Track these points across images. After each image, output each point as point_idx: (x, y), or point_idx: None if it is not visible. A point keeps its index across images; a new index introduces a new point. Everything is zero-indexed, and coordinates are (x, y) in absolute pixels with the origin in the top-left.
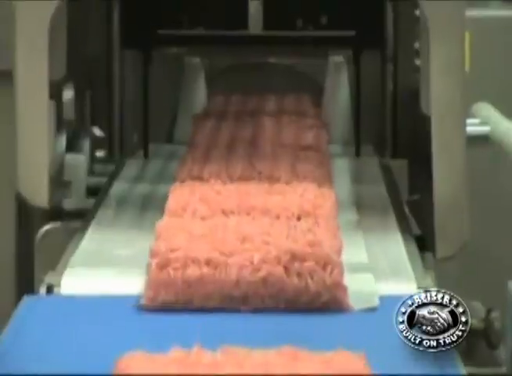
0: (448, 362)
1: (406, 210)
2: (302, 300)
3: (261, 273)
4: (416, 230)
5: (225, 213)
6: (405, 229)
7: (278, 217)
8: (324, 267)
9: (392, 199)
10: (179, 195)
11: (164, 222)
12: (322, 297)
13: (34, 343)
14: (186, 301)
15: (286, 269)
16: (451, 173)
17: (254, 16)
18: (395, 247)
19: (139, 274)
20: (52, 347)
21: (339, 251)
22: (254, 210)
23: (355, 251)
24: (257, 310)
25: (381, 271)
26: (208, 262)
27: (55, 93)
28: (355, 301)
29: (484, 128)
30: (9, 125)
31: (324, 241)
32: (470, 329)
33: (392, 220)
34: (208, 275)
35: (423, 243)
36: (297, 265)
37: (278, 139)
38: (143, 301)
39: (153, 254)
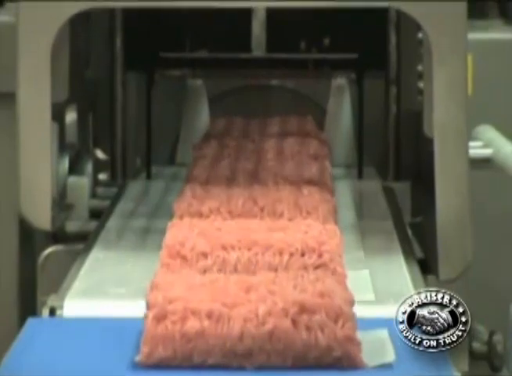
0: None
1: (409, 232)
2: (312, 356)
3: (267, 327)
4: (419, 253)
5: (224, 248)
6: (407, 251)
7: (281, 253)
8: (336, 320)
9: (395, 221)
10: (177, 230)
11: (160, 272)
12: (334, 352)
13: (39, 364)
14: (185, 358)
15: (294, 322)
16: (454, 195)
17: (257, 38)
18: (398, 269)
19: (142, 297)
20: (57, 369)
21: (351, 303)
22: (255, 245)
23: (361, 291)
24: (262, 367)
25: (384, 294)
26: (209, 315)
27: (57, 115)
28: (368, 357)
29: (487, 151)
30: (11, 147)
31: (335, 291)
32: (473, 352)
33: (395, 242)
34: (209, 329)
35: (426, 265)
36: (305, 317)
37: (280, 171)
38: (139, 358)
39: (149, 305)
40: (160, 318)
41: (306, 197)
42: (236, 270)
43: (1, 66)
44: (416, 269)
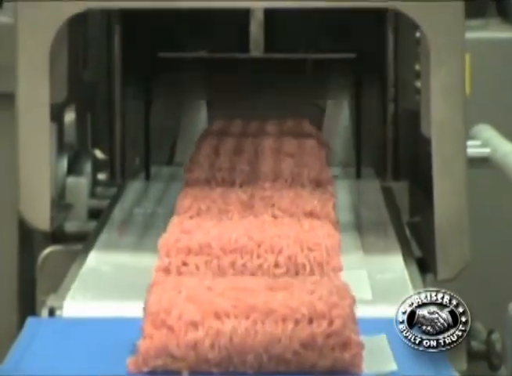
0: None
1: (407, 231)
2: None
3: None
4: (417, 252)
5: (218, 317)
6: (406, 250)
7: (284, 320)
8: None
9: (393, 221)
10: (162, 291)
11: (143, 344)
12: None
13: (39, 365)
14: None
15: None
16: (452, 195)
17: (255, 38)
18: (396, 268)
19: (141, 297)
20: (57, 369)
21: None
22: (254, 311)
23: (359, 290)
24: None
25: (382, 294)
26: None
27: (56, 116)
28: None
29: (485, 150)
30: (10, 148)
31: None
32: (472, 351)
33: (393, 242)
34: None
35: (424, 264)
36: None
37: (278, 202)
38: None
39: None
40: None
41: (307, 232)
42: (231, 343)
43: (0, 67)
44: (415, 268)
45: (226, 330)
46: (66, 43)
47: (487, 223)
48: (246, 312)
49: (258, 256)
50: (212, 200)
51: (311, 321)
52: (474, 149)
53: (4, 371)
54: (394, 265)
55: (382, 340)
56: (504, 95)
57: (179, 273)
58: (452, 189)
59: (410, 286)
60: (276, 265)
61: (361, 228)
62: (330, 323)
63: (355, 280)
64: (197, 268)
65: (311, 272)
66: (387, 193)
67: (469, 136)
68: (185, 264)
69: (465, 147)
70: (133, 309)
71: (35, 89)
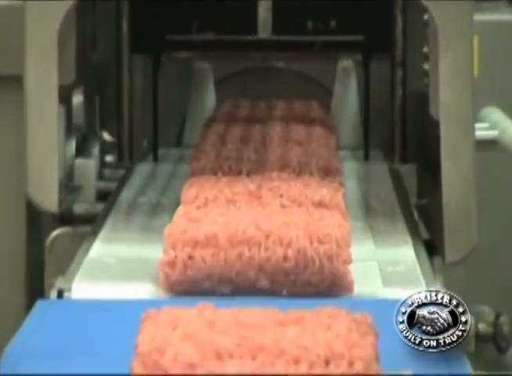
0: (456, 362)
1: (415, 214)
2: None
3: None
4: (425, 234)
5: (219, 357)
6: (414, 233)
7: (297, 362)
8: None
9: (401, 203)
10: (154, 327)
11: None
12: None
13: (48, 346)
14: None
15: None
16: (459, 177)
17: (263, 20)
18: (405, 251)
19: (149, 279)
20: (65, 351)
21: None
22: (261, 351)
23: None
24: None
25: (391, 277)
26: None
27: (64, 98)
28: None
29: (493, 133)
30: (18, 130)
31: None
32: (479, 333)
33: (401, 224)
34: None
35: (432, 246)
36: None
37: (286, 191)
38: None
39: None
40: None
41: (317, 221)
42: None
43: (9, 50)
44: (423, 250)
45: (229, 374)
46: (74, 25)
47: (495, 206)
48: (252, 352)
49: (266, 248)
50: (219, 189)
51: (327, 363)
52: (481, 131)
53: (11, 353)
54: (402, 247)
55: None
56: None
57: (185, 267)
58: (460, 172)
59: (418, 268)
60: (285, 258)
61: (369, 210)
62: (351, 364)
63: (364, 271)
64: (204, 261)
65: (321, 267)
66: (395, 176)
67: (477, 119)
68: (191, 257)
69: (473, 130)
70: (141, 290)
71: (44, 72)
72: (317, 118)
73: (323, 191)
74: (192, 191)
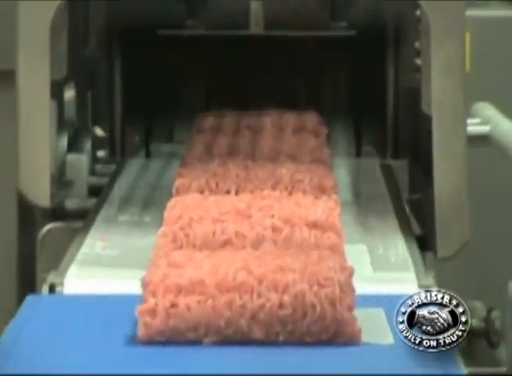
0: (450, 362)
1: (407, 209)
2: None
3: None
4: (417, 230)
5: None
6: (405, 228)
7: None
8: None
9: (393, 198)
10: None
11: None
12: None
13: (38, 341)
14: None
15: None
16: (451, 172)
17: (255, 15)
18: (396, 246)
19: (142, 273)
20: (56, 346)
21: None
22: None
23: (359, 265)
24: None
25: (382, 271)
26: None
27: (56, 93)
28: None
29: (485, 128)
30: (10, 125)
31: None
32: (471, 328)
33: (393, 219)
34: None
35: (423, 242)
36: None
37: (278, 214)
38: None
39: None
40: None
41: (316, 264)
42: None
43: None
44: (415, 245)
45: None
46: (66, 19)
47: (485, 201)
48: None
49: (259, 295)
50: (205, 209)
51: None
52: (473, 127)
53: (2, 347)
54: (394, 243)
55: (380, 314)
56: (504, 74)
57: (168, 316)
58: (452, 167)
59: (411, 264)
60: (281, 305)
61: (360, 205)
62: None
63: (355, 256)
64: (188, 309)
65: (323, 314)
66: (387, 171)
67: (469, 114)
68: (174, 305)
69: (465, 125)
70: (134, 285)
71: (36, 67)
72: (309, 127)
73: (318, 211)
74: (175, 211)
